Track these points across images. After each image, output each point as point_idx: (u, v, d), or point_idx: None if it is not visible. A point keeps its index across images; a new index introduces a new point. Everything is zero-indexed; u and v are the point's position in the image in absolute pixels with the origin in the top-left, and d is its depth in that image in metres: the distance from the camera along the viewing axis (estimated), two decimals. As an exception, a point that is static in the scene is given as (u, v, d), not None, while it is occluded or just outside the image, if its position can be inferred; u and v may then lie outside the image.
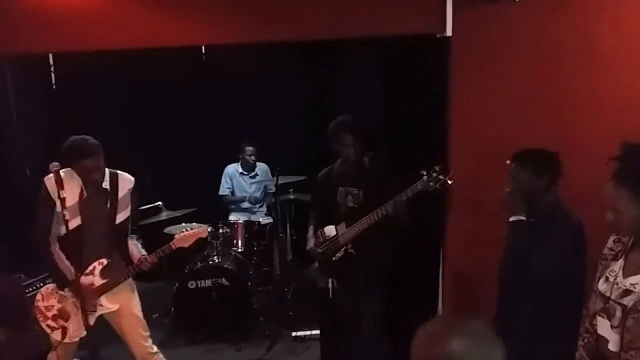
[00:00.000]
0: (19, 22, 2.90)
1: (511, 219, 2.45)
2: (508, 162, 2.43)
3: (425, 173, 2.77)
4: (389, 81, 3.92)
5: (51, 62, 5.13)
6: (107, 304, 2.99)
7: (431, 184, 2.76)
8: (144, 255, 3.04)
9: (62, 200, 2.72)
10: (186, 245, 3.08)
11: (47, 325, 2.98)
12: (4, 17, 2.89)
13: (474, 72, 2.86)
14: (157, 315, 4.60)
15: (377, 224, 2.96)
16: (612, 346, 1.79)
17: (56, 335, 2.97)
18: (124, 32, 2.93)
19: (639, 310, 1.70)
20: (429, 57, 3.19)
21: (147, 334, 3.18)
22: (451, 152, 2.91)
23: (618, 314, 1.76)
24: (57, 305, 2.97)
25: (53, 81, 5.20)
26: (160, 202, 4.67)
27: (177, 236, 3.08)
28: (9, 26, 2.90)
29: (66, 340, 2.97)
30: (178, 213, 4.70)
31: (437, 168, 2.76)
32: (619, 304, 1.76)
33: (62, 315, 2.97)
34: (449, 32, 2.81)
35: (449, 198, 2.94)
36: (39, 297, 3.02)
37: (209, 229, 4.40)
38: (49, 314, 2.97)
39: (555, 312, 2.29)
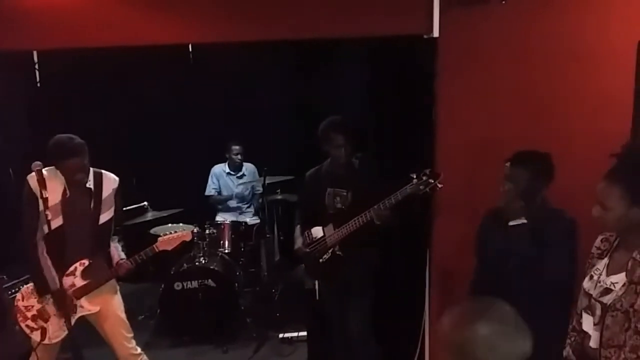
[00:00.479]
0: (3, 19, 2.85)
1: (511, 223, 2.45)
2: (507, 164, 2.43)
3: (415, 176, 2.75)
4: (376, 82, 3.92)
5: (36, 59, 5.05)
6: (87, 306, 2.96)
7: (421, 187, 2.74)
8: (122, 259, 3.01)
9: (45, 200, 2.67)
10: (169, 248, 3.05)
11: (27, 326, 2.93)
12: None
13: (461, 73, 2.86)
14: (142, 317, 4.56)
15: (365, 227, 2.94)
16: (593, 343, 1.82)
17: (35, 336, 2.93)
18: (110, 29, 2.89)
19: (617, 309, 1.74)
20: (416, 58, 3.19)
21: (131, 335, 3.14)
22: (438, 153, 2.91)
23: (598, 311, 1.80)
24: (37, 306, 2.93)
25: (37, 79, 5.13)
26: (146, 202, 4.62)
27: (160, 239, 3.05)
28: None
29: (45, 341, 2.93)
30: (164, 213, 4.65)
31: (427, 172, 2.74)
32: (599, 302, 1.80)
33: (42, 315, 2.92)
34: (436, 33, 2.81)
35: (436, 200, 2.94)
36: (19, 296, 2.98)
37: (195, 230, 4.37)
38: (29, 314, 2.93)
39: (559, 311, 2.30)
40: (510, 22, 2.78)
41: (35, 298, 2.93)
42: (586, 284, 1.90)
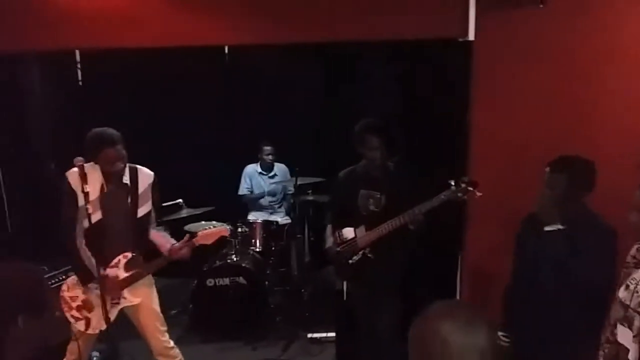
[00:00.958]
0: (47, 20, 2.96)
1: (547, 228, 2.41)
2: (547, 169, 2.39)
3: (453, 183, 2.74)
4: (410, 85, 3.91)
5: (78, 59, 5.22)
6: (129, 297, 3.04)
7: (459, 194, 2.73)
8: (175, 244, 3.06)
9: (86, 194, 2.76)
10: (208, 242, 3.11)
11: (72, 316, 3.02)
12: (33, 15, 2.96)
13: (497, 77, 2.84)
14: (175, 311, 4.65)
15: (397, 230, 2.93)
16: (632, 356, 1.76)
17: (80, 326, 3.01)
18: (150, 30, 2.98)
19: None
20: (451, 61, 3.16)
21: (164, 328, 3.22)
22: (472, 157, 2.88)
23: (637, 322, 1.74)
24: (82, 297, 3.02)
25: (79, 77, 5.29)
26: (180, 200, 4.71)
27: (199, 233, 3.10)
28: (38, 23, 2.97)
29: (89, 331, 3.01)
30: (198, 211, 4.73)
31: (465, 179, 2.73)
32: (638, 312, 1.74)
33: (86, 306, 3.01)
34: (471, 36, 2.79)
35: (469, 204, 2.91)
36: (64, 287, 3.06)
37: (228, 228, 4.44)
38: (74, 305, 3.02)
39: (594, 320, 2.26)
40: (546, 26, 2.75)
41: (80, 289, 3.02)
42: (622, 293, 1.85)
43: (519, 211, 2.58)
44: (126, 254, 3.02)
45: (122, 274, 3.01)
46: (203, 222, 4.78)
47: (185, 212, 4.63)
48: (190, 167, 5.40)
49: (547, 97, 2.79)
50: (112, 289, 2.97)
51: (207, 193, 5.10)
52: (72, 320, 3.02)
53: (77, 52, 5.10)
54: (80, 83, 5.32)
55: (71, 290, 3.04)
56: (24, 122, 4.41)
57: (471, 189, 2.71)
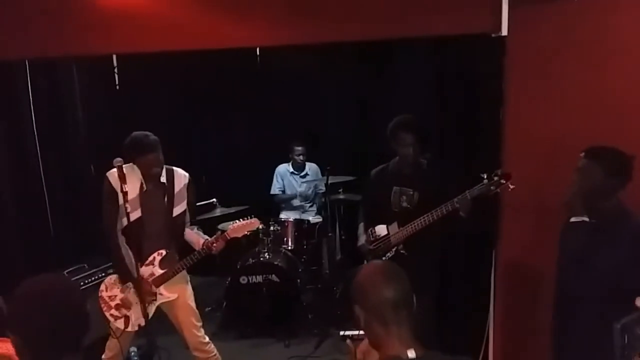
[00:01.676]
0: (85, 25, 3.06)
1: (572, 219, 2.35)
2: (582, 154, 2.30)
3: (485, 177, 2.72)
4: (442, 82, 3.87)
5: (115, 63, 5.37)
6: (166, 293, 3.12)
7: (492, 188, 2.71)
8: (209, 239, 3.13)
9: (125, 194, 2.84)
10: (239, 235, 3.19)
11: (111, 315, 3.12)
12: (72, 20, 3.06)
13: (530, 73, 2.79)
14: (209, 309, 4.73)
15: (431, 226, 2.93)
16: None
17: (119, 324, 3.10)
18: (183, 34, 3.04)
19: None
20: (483, 57, 3.13)
21: (200, 324, 3.29)
22: (506, 154, 2.85)
23: None
24: (120, 295, 3.11)
25: (116, 82, 5.44)
26: (214, 199, 4.79)
27: (230, 227, 3.17)
28: (76, 28, 3.07)
29: (129, 329, 3.10)
30: (231, 210, 4.81)
31: (498, 172, 2.71)
32: None
33: (125, 304, 3.10)
34: (504, 32, 2.75)
35: (504, 200, 2.88)
36: (102, 287, 3.16)
37: (260, 227, 4.50)
38: (112, 304, 3.12)
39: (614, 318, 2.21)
40: (581, 20, 2.68)
41: (119, 288, 3.11)
42: None
43: (554, 207, 2.53)
44: (161, 251, 3.10)
45: (158, 271, 3.09)
46: (236, 221, 4.86)
47: (219, 211, 4.71)
48: (224, 166, 5.51)
49: (581, 92, 2.72)
50: (148, 287, 3.05)
51: (240, 192, 5.18)
52: (111, 319, 3.12)
53: (114, 57, 5.26)
54: (117, 87, 5.46)
55: (109, 289, 3.14)
56: (63, 126, 4.55)
57: (504, 181, 2.68)
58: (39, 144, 4.21)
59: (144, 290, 3.02)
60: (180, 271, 3.13)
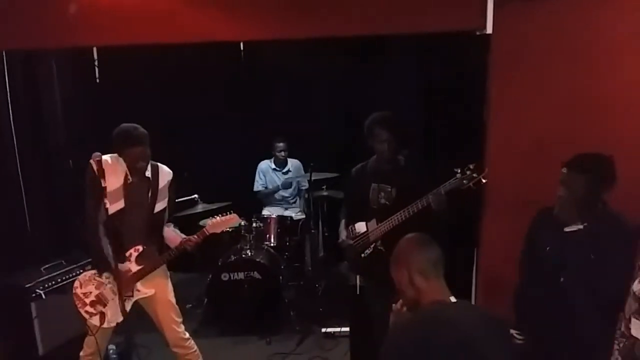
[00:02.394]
0: (64, 17, 2.99)
1: (567, 229, 2.35)
2: (564, 169, 2.31)
3: (459, 171, 2.74)
4: (425, 79, 3.88)
5: (95, 56, 5.27)
6: (143, 289, 3.09)
7: (464, 181, 2.72)
8: (185, 237, 3.11)
9: (103, 188, 2.79)
10: (218, 231, 3.14)
11: (86, 312, 3.07)
12: (51, 11, 2.99)
13: (515, 71, 2.79)
14: (190, 305, 4.69)
15: (407, 222, 2.93)
16: None
17: (95, 321, 3.06)
18: (165, 27, 2.99)
19: None
20: (467, 55, 3.13)
21: (180, 319, 3.26)
22: (489, 151, 2.85)
23: None
24: (95, 292, 3.06)
25: (97, 75, 5.35)
26: (196, 195, 4.75)
27: (209, 222, 3.13)
28: (55, 20, 3.00)
29: (104, 325, 3.05)
30: (213, 206, 4.77)
31: (471, 166, 2.72)
32: None
33: (100, 301, 3.06)
34: (489, 30, 2.75)
35: (486, 199, 2.89)
36: (76, 284, 3.10)
37: (242, 223, 4.47)
38: (87, 300, 3.06)
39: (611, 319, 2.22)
40: (566, 18, 2.69)
41: (94, 284, 3.06)
42: (636, 287, 1.83)
43: (537, 207, 2.55)
44: (137, 247, 3.06)
45: (134, 267, 3.05)
46: (216, 217, 4.82)
47: (200, 208, 4.68)
48: (206, 162, 5.44)
49: (566, 91, 2.74)
50: (125, 283, 3.01)
51: (222, 188, 5.14)
52: (86, 316, 3.07)
53: (95, 50, 5.16)
54: (98, 81, 5.37)
55: (84, 286, 3.09)
56: (41, 120, 4.46)
57: (476, 175, 2.69)
58: (16, 138, 4.11)
59: (121, 286, 2.96)
60: (157, 267, 3.09)
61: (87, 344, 3.15)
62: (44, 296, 3.63)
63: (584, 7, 2.66)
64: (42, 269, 3.82)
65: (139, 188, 3.04)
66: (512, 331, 2.57)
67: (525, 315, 2.55)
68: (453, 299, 1.95)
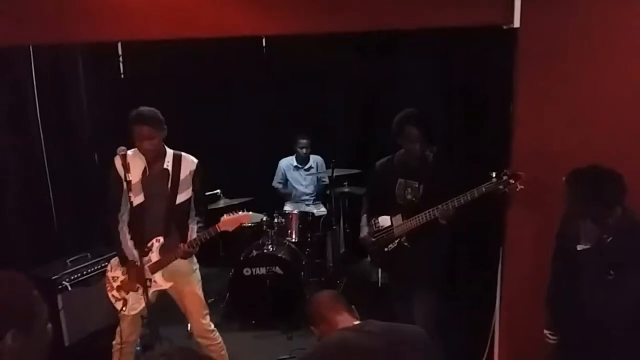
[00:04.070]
0: (90, 11, 3.01)
1: (578, 247, 2.29)
2: (564, 179, 2.25)
3: (494, 175, 2.69)
4: (451, 74, 3.81)
5: (120, 52, 5.32)
6: (160, 281, 3.07)
7: (500, 187, 2.68)
8: (192, 239, 3.09)
9: (129, 182, 2.83)
10: (230, 229, 3.12)
11: (112, 295, 3.12)
12: (77, 6, 3.01)
13: (543, 67, 2.73)
14: (212, 299, 4.71)
15: (436, 220, 2.91)
16: None
17: (117, 306, 3.11)
18: (189, 22, 2.99)
19: None
20: (494, 50, 3.07)
21: (206, 312, 3.29)
22: (515, 150, 2.80)
23: None
24: (122, 277, 3.10)
25: (121, 70, 5.40)
26: (219, 190, 4.78)
27: (222, 219, 3.11)
28: (80, 15, 3.02)
29: (125, 312, 3.09)
30: (235, 201, 4.79)
31: (507, 172, 2.68)
32: None
33: (124, 287, 3.09)
34: (516, 24, 2.69)
35: (512, 198, 2.83)
36: (108, 267, 3.17)
37: (264, 219, 4.48)
38: (114, 285, 3.11)
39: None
40: (596, 13, 2.62)
41: (121, 270, 3.10)
42: None
43: (562, 208, 2.48)
44: (159, 238, 3.06)
45: (155, 258, 3.06)
46: (231, 213, 4.84)
47: (222, 203, 4.70)
48: (228, 157, 5.47)
49: (594, 86, 2.67)
50: (140, 273, 2.99)
51: (245, 184, 5.16)
52: (112, 299, 3.12)
53: (120, 46, 5.21)
54: (122, 76, 5.42)
55: (113, 270, 3.14)
56: (67, 115, 4.52)
57: (512, 181, 2.65)
58: (42, 133, 4.18)
59: (137, 277, 2.99)
60: (173, 261, 3.06)
61: (118, 333, 3.20)
62: (69, 288, 3.69)
63: (614, 2, 2.58)
64: (67, 261, 3.88)
65: (157, 181, 3.03)
66: (546, 331, 2.53)
67: (556, 318, 2.50)
68: (356, 322, 2.07)
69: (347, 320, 2.07)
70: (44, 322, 1.34)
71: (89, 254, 4.00)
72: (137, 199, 2.99)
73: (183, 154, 3.14)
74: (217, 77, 5.24)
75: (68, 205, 4.40)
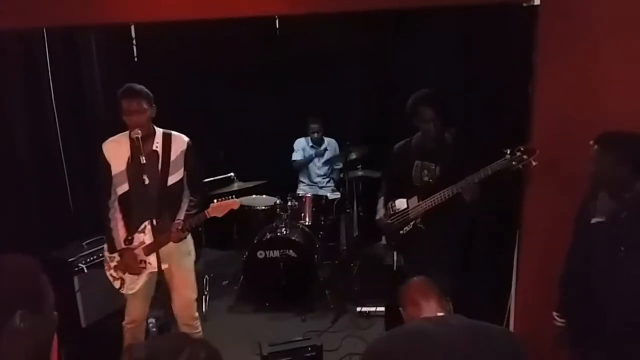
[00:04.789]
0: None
1: (592, 220, 2.25)
2: (591, 143, 2.21)
3: (508, 152, 2.64)
4: (469, 53, 3.72)
5: (133, 34, 5.30)
6: (154, 264, 3.02)
7: (513, 163, 2.64)
8: (177, 220, 3.05)
9: (117, 165, 2.88)
10: (220, 215, 3.05)
11: (110, 275, 3.13)
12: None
13: (563, 44, 2.65)
14: (226, 282, 4.76)
15: (450, 201, 2.87)
16: None
17: (116, 285, 3.13)
18: (202, 3, 2.95)
19: None
20: (514, 27, 2.98)
21: (195, 296, 3.27)
22: (534, 128, 2.74)
23: None
24: (117, 257, 3.09)
25: (135, 54, 5.38)
26: (232, 174, 4.78)
27: (212, 205, 3.05)
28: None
29: (123, 291, 3.12)
30: (249, 184, 4.81)
31: (521, 148, 2.63)
32: None
33: (120, 267, 3.09)
34: (537, 1, 2.61)
35: (530, 178, 2.78)
36: (105, 247, 3.16)
37: (277, 202, 4.48)
38: (112, 264, 3.12)
39: None
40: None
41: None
42: None
43: (584, 188, 2.43)
44: (151, 220, 3.00)
45: (148, 240, 3.03)
46: (254, 196, 4.85)
47: (236, 186, 4.71)
48: (242, 141, 5.46)
49: (616, 65, 2.59)
50: (132, 259, 3.03)
51: (258, 167, 5.15)
52: (110, 279, 3.14)
53: (133, 28, 5.19)
54: (136, 59, 5.41)
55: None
56: (81, 98, 4.52)
57: (526, 157, 2.60)
58: (57, 117, 4.19)
59: (128, 263, 3.01)
60: (166, 243, 3.01)
61: (126, 313, 3.22)
62: (85, 270, 3.73)
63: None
64: (84, 244, 3.92)
65: (148, 162, 2.90)
66: (554, 313, 2.51)
67: (565, 300, 2.47)
68: (440, 314, 1.95)
69: (433, 309, 1.97)
70: (51, 307, 1.34)
71: (104, 237, 4.02)
72: (124, 186, 2.98)
73: (173, 133, 3.07)
74: (230, 59, 5.20)
75: (84, 188, 4.42)
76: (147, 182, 2.86)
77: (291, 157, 5.24)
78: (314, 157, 5.21)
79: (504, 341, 1.83)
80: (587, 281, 2.32)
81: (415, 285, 2.11)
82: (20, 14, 3.00)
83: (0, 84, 3.74)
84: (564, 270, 2.49)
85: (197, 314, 3.31)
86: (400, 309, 2.12)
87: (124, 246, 3.03)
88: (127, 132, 2.97)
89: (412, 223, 3.12)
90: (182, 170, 3.07)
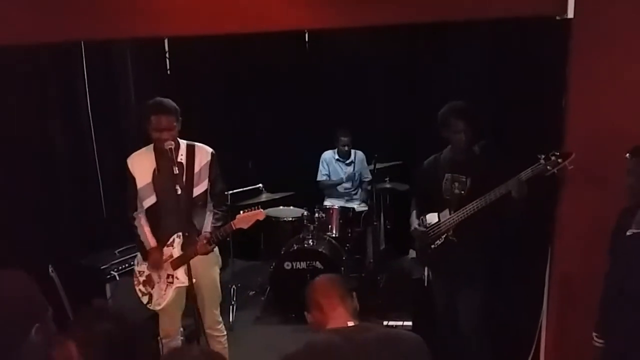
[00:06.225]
0: (138, 8, 3.07)
1: (628, 232, 2.22)
2: (627, 155, 2.21)
3: (542, 157, 2.61)
4: (502, 67, 3.69)
5: (166, 48, 5.43)
6: (182, 278, 3.03)
7: (548, 167, 2.59)
8: (206, 231, 3.05)
9: (143, 178, 2.92)
10: (246, 226, 3.02)
11: (139, 290, 3.16)
12: (125, 3, 3.08)
13: (596, 57, 2.62)
14: (253, 292, 4.78)
15: (482, 211, 2.85)
16: None
17: (144, 300, 3.15)
18: (233, 17, 3.00)
19: None
20: (547, 41, 2.96)
21: (219, 301, 3.32)
22: (568, 141, 2.70)
23: None
24: (146, 272, 3.13)
25: (168, 67, 5.51)
26: (260, 185, 4.82)
27: (237, 217, 3.03)
28: (129, 12, 3.08)
29: (150, 307, 3.14)
30: (276, 196, 4.84)
31: (556, 152, 2.59)
32: None
33: (149, 282, 3.12)
34: (570, 14, 2.59)
35: (562, 188, 2.74)
36: (135, 261, 3.21)
37: (305, 213, 4.49)
38: (141, 279, 3.16)
39: None
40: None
41: (146, 265, 3.13)
42: None
43: (619, 202, 2.38)
44: (179, 233, 3.02)
45: (176, 253, 3.04)
46: (281, 207, 4.88)
47: (264, 197, 4.74)
48: (270, 152, 5.52)
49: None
50: (165, 269, 3.05)
51: (286, 178, 5.18)
52: (139, 294, 3.16)
53: (166, 42, 5.31)
54: (169, 72, 5.53)
55: (139, 265, 3.17)
56: (116, 110, 4.64)
57: (561, 160, 2.56)
58: (93, 127, 4.31)
59: (162, 272, 3.05)
60: (194, 256, 2.99)
61: (159, 327, 3.24)
62: (117, 278, 3.80)
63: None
64: (116, 252, 3.99)
65: (172, 176, 2.90)
66: (594, 334, 2.44)
67: (605, 319, 2.40)
68: (350, 323, 1.88)
69: (340, 317, 1.90)
70: (50, 318, 1.35)
71: (117, 252, 4.06)
72: (151, 198, 3.02)
73: (197, 144, 3.09)
74: (260, 72, 5.28)
75: (117, 196, 4.52)
76: (179, 192, 2.86)
77: (317, 170, 5.26)
78: (343, 182, 5.22)
79: (413, 347, 1.84)
80: (630, 300, 2.26)
81: (319, 288, 2.01)
82: (59, 28, 3.11)
83: (41, 95, 3.87)
84: (604, 288, 2.43)
85: (220, 319, 3.34)
86: (306, 314, 2.06)
87: (153, 245, 3.06)
88: (151, 145, 3.02)
89: (444, 236, 3.08)
90: (206, 181, 3.09)
